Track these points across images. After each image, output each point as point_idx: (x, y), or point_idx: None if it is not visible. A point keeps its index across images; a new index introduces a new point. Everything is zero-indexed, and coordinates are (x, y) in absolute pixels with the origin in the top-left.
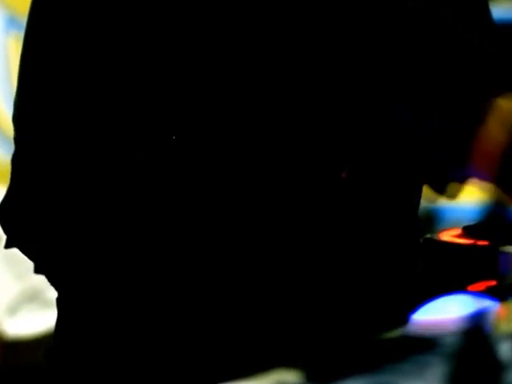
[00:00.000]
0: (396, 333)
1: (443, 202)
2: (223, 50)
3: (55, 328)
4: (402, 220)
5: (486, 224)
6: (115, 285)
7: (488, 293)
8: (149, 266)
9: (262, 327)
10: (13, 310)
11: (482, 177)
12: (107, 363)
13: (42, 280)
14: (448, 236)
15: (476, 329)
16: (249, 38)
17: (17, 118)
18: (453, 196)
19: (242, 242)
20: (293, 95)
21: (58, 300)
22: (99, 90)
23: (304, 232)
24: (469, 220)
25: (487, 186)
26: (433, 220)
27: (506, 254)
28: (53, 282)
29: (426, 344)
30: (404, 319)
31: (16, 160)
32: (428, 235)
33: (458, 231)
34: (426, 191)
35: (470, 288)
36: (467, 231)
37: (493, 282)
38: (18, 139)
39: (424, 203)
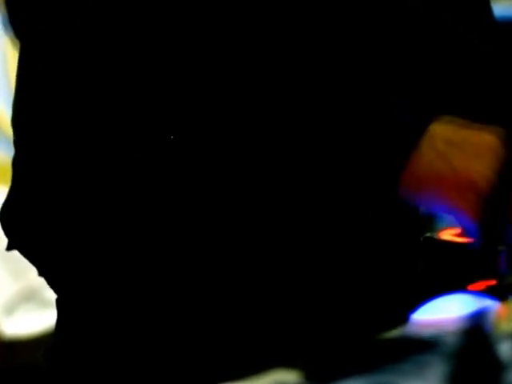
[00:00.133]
0: (396, 332)
1: None
2: (222, 48)
3: (55, 328)
4: (403, 219)
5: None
6: (116, 286)
7: (488, 292)
8: (149, 266)
9: (260, 327)
10: (10, 309)
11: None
12: (108, 363)
13: (39, 279)
14: (448, 235)
15: (476, 328)
16: (248, 38)
17: (15, 121)
18: None
19: (242, 242)
20: (292, 94)
21: (58, 301)
22: (98, 90)
23: (304, 231)
24: None
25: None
26: (433, 219)
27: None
28: (53, 284)
29: (425, 344)
30: (404, 319)
31: (16, 163)
32: (428, 234)
33: (459, 230)
34: None
35: (470, 287)
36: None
37: (493, 282)
38: (18, 142)
39: None
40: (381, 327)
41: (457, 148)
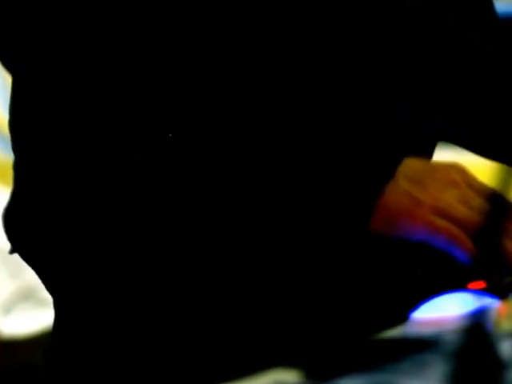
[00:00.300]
0: (396, 331)
1: None
2: (221, 48)
3: (53, 328)
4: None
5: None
6: (116, 286)
7: (488, 291)
8: (148, 266)
9: (259, 326)
10: (7, 309)
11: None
12: (106, 363)
13: (36, 278)
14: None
15: (476, 327)
16: (247, 37)
17: (12, 126)
18: None
19: (242, 242)
20: (291, 94)
21: (55, 302)
22: (97, 90)
23: (303, 231)
24: None
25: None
26: None
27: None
28: (52, 288)
29: (426, 343)
30: (404, 317)
31: (16, 167)
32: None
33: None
34: None
35: (470, 286)
36: None
37: (493, 280)
38: (15, 147)
39: None
40: (381, 326)
41: (421, 184)
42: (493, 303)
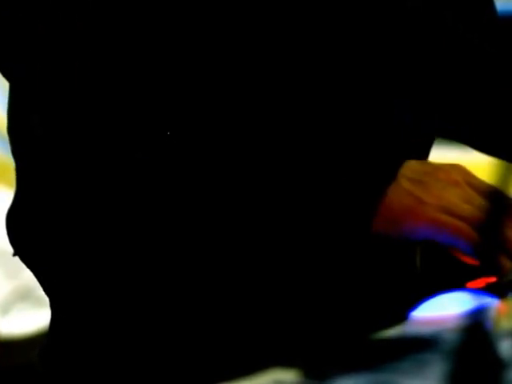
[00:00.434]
0: (395, 330)
1: None
2: (221, 47)
3: (49, 329)
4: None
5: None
6: (115, 287)
7: (488, 290)
8: (148, 265)
9: (259, 326)
10: (5, 309)
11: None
12: (103, 364)
13: (34, 278)
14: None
15: (476, 326)
16: (246, 36)
17: (10, 129)
18: None
19: (240, 242)
20: (291, 93)
21: (52, 302)
22: (96, 91)
23: (302, 230)
24: None
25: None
26: None
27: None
28: (51, 291)
29: (425, 342)
30: (403, 317)
31: (17, 171)
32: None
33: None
34: None
35: (469, 285)
36: None
37: (493, 279)
38: (15, 151)
39: None
40: (380, 325)
41: (423, 184)
42: (492, 302)
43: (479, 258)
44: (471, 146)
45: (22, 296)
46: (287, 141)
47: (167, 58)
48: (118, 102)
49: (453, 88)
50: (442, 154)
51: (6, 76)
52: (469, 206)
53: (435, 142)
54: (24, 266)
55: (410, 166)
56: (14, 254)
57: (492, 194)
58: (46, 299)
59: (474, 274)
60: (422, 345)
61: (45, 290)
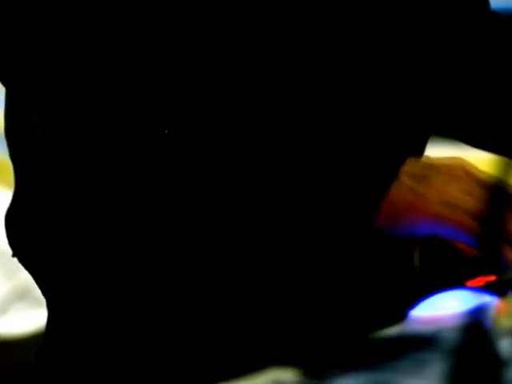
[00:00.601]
0: (394, 329)
1: None
2: (221, 47)
3: (46, 328)
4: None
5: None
6: (114, 288)
7: (487, 288)
8: (147, 265)
9: (257, 325)
10: (3, 309)
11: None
12: (100, 364)
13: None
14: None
15: (475, 325)
16: (245, 35)
17: (8, 131)
18: None
19: (240, 241)
20: (290, 93)
21: (48, 303)
22: (96, 91)
23: (301, 230)
24: None
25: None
26: None
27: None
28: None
29: (424, 341)
30: (402, 316)
31: (15, 174)
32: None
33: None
34: None
35: (469, 283)
36: None
37: (492, 277)
38: (13, 155)
39: None
40: (379, 324)
41: (424, 180)
42: (492, 301)
43: (481, 250)
44: (471, 145)
45: (21, 296)
46: (289, 138)
47: (167, 58)
48: (118, 102)
49: (453, 87)
50: (440, 152)
51: (2, 78)
52: (470, 198)
53: (434, 141)
54: None
55: (413, 164)
56: (13, 255)
57: (494, 187)
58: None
59: (474, 272)
60: (422, 344)
61: (42, 291)
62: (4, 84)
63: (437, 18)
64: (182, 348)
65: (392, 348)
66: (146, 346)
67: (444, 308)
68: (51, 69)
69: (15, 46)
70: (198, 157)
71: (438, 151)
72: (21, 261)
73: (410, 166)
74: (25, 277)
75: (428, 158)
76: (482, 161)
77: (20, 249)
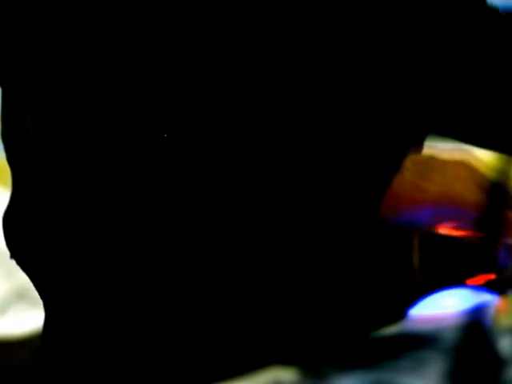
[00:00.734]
0: (394, 329)
1: None
2: (219, 47)
3: (43, 329)
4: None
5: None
6: (111, 288)
7: (487, 286)
8: (146, 266)
9: (257, 325)
10: (2, 309)
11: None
12: (97, 365)
13: None
14: (446, 229)
15: (475, 323)
16: (244, 36)
17: (4, 133)
18: None
19: (238, 241)
20: (289, 93)
21: (46, 304)
22: (95, 90)
23: (300, 229)
24: None
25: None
26: None
27: (505, 246)
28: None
29: (424, 340)
30: (402, 314)
31: (12, 177)
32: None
33: (456, 224)
34: None
35: (468, 282)
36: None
37: (492, 276)
38: (10, 158)
39: None
40: (378, 323)
41: (426, 176)
42: (492, 299)
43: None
44: (470, 143)
45: (20, 296)
46: (290, 136)
47: (166, 59)
48: (117, 102)
49: (451, 87)
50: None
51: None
52: (471, 194)
53: (433, 139)
54: None
55: (415, 159)
56: (11, 257)
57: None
58: None
59: (474, 270)
60: (421, 343)
61: (39, 293)
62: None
63: (437, 17)
64: (182, 348)
65: (392, 347)
66: (146, 346)
67: (444, 307)
68: (50, 68)
69: (14, 46)
70: (197, 157)
71: (438, 147)
72: (18, 262)
73: (412, 162)
74: (24, 277)
75: (431, 154)
76: (481, 158)
77: (18, 250)
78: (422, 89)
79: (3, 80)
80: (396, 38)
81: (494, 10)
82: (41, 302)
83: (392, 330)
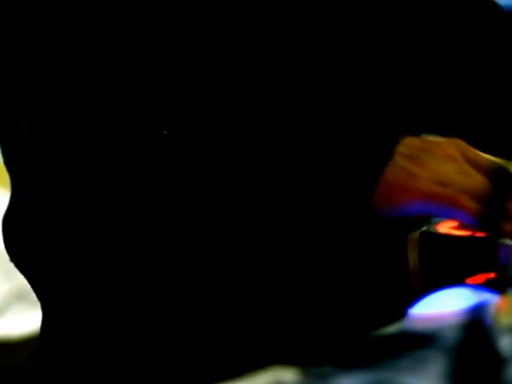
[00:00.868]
0: (394, 328)
1: None
2: (219, 47)
3: (40, 331)
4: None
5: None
6: (111, 290)
7: (487, 285)
8: (145, 266)
9: (257, 324)
10: (1, 310)
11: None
12: (95, 366)
13: None
14: (445, 228)
15: (475, 322)
16: (243, 34)
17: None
18: None
19: (238, 240)
20: (288, 92)
21: (44, 307)
22: (95, 90)
23: (300, 228)
24: None
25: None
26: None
27: (505, 245)
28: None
29: (424, 339)
30: (402, 314)
31: (11, 182)
32: (425, 227)
33: (456, 223)
34: None
35: (468, 281)
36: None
37: (492, 275)
38: (7, 162)
39: None
40: (378, 322)
41: (418, 160)
42: (492, 298)
43: (481, 226)
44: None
45: (19, 297)
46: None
47: (165, 59)
48: (117, 101)
49: (453, 88)
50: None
51: None
52: (465, 178)
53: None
54: None
55: (406, 143)
56: (11, 260)
57: (492, 170)
58: None
59: (474, 269)
60: (422, 342)
61: (37, 295)
62: None
63: (438, 17)
64: (182, 348)
65: (392, 346)
66: (145, 347)
67: (444, 306)
68: (50, 68)
69: (13, 46)
70: (197, 157)
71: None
72: (17, 265)
73: (404, 146)
74: (23, 278)
75: (423, 138)
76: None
77: (17, 253)
78: (422, 88)
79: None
80: (396, 36)
81: (494, 6)
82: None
83: (392, 329)
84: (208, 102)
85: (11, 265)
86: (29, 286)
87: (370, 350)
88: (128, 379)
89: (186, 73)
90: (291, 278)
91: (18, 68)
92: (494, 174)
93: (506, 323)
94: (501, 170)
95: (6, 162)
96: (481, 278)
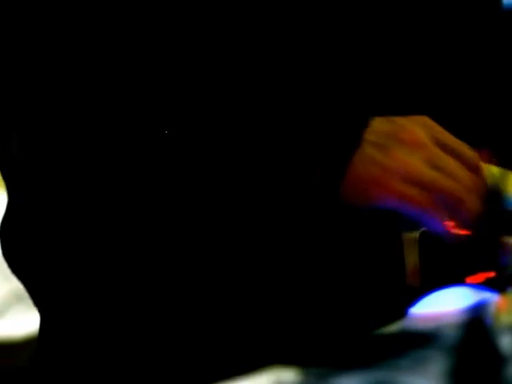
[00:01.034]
0: (394, 327)
1: None
2: (218, 45)
3: (39, 333)
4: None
5: (485, 214)
6: (109, 292)
7: (487, 284)
8: (145, 266)
9: (258, 324)
10: (1, 311)
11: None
12: (94, 368)
13: None
14: (445, 227)
15: (476, 321)
16: (243, 33)
17: None
18: None
19: (238, 240)
20: (287, 90)
21: (40, 311)
22: (94, 89)
23: (300, 227)
24: None
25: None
26: None
27: (505, 244)
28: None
29: (425, 338)
30: (402, 313)
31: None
32: (424, 227)
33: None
34: None
35: (468, 280)
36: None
37: (492, 274)
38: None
39: None
40: (379, 322)
41: (386, 149)
42: (492, 297)
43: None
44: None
45: (19, 298)
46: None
47: (165, 58)
48: (116, 101)
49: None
50: None
51: None
52: (435, 171)
53: None
54: None
55: (374, 129)
56: (8, 266)
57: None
58: None
59: (474, 268)
60: (422, 341)
61: (33, 300)
62: None
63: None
64: (182, 348)
65: (392, 346)
66: (145, 347)
67: (444, 305)
68: (49, 68)
69: (12, 46)
70: (198, 156)
71: None
72: (14, 271)
73: (371, 133)
74: None
75: (391, 120)
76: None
77: (13, 259)
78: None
79: None
80: (395, 35)
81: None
82: None
83: (393, 328)
84: (208, 101)
85: None
86: None
87: (370, 349)
88: (128, 379)
89: (186, 72)
90: (291, 278)
91: (8, 80)
92: (461, 157)
93: (506, 322)
94: (497, 188)
95: (2, 170)
96: (481, 277)
